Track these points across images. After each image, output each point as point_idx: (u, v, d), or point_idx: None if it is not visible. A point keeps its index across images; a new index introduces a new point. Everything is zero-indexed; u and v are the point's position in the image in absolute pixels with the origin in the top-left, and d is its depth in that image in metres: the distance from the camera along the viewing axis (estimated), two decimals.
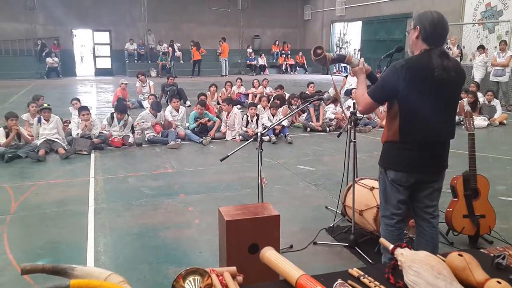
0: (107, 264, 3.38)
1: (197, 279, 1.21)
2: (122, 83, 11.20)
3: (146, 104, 10.22)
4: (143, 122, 7.68)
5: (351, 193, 3.57)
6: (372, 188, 3.59)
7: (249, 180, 5.40)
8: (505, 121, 9.48)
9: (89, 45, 21.15)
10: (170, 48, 20.24)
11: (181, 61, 21.03)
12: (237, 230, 2.76)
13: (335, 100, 9.05)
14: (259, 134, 3.21)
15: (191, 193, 5.02)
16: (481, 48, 12.28)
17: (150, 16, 20.43)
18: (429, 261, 1.34)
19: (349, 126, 3.69)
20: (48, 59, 19.00)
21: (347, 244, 3.57)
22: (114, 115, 7.47)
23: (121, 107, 7.61)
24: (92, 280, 1.10)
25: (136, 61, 20.58)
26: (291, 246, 3.58)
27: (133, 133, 7.52)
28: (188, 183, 5.41)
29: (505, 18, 12.99)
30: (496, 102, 9.77)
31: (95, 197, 4.86)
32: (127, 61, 20.45)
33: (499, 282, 1.25)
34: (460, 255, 1.37)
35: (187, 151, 7.18)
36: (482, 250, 1.62)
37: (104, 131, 7.30)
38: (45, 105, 7.16)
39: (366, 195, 3.58)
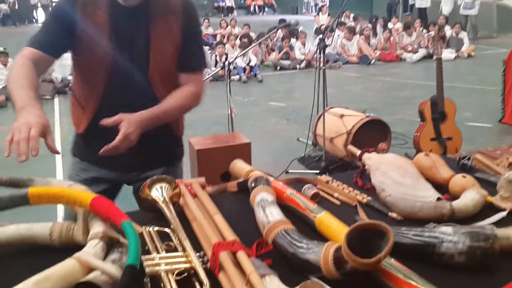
0: None
1: (165, 186, 1.18)
2: None
3: None
4: None
5: (321, 122, 3.58)
6: (341, 116, 3.61)
7: (220, 117, 5.32)
8: (472, 53, 9.59)
9: None
10: None
11: None
12: (208, 159, 2.74)
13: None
14: (226, 63, 3.11)
15: None
16: None
17: None
18: (396, 161, 1.34)
19: (317, 54, 3.64)
20: (2, 5, 17.85)
21: (318, 172, 3.62)
22: None
23: None
24: (52, 187, 1.05)
25: None
26: None
27: None
28: None
29: None
30: (463, 35, 9.83)
31: (62, 142, 4.73)
32: None
33: (464, 177, 1.27)
34: (427, 155, 1.38)
35: None
36: (448, 155, 1.65)
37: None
38: (1, 49, 6.76)
39: (336, 122, 3.60)
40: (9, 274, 0.91)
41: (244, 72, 7.72)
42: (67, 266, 0.82)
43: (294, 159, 3.97)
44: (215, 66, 7.90)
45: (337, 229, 1.01)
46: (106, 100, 1.46)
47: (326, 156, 3.61)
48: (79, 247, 0.92)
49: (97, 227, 0.94)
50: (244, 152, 2.83)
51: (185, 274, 0.90)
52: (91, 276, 0.79)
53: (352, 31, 9.59)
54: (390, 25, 11.13)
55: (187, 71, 1.50)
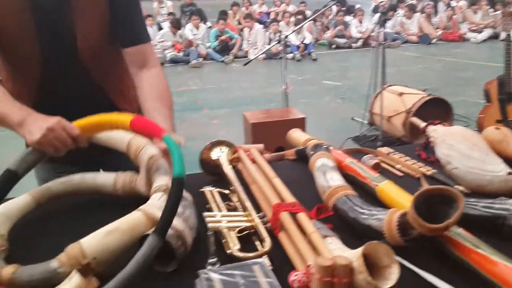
0: None
1: (224, 149, 1.19)
2: None
3: (165, 25, 10.00)
4: (163, 41, 7.57)
5: (378, 100, 3.48)
6: (400, 94, 3.49)
7: (273, 95, 5.33)
8: None
9: None
10: None
11: None
12: (262, 133, 2.74)
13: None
14: (282, 37, 3.08)
15: (215, 108, 5.02)
16: None
17: None
18: (464, 133, 1.28)
19: (377, 30, 3.52)
20: None
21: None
22: None
23: None
24: (91, 116, 1.03)
25: None
26: None
27: None
28: (212, 99, 5.39)
29: None
30: None
31: None
32: None
33: None
34: (497, 128, 1.30)
35: (210, 69, 7.11)
36: None
37: None
38: None
39: (395, 100, 3.49)
40: (77, 226, 0.96)
41: (298, 50, 7.62)
42: (134, 218, 0.85)
43: (348, 138, 3.90)
44: (269, 44, 7.85)
45: (400, 198, 0.98)
46: (42, 94, 1.24)
47: (383, 136, 3.51)
48: (141, 197, 0.95)
49: (161, 180, 0.96)
50: (298, 127, 2.78)
51: (245, 233, 0.91)
52: None
53: (412, 9, 9.18)
54: (453, 3, 10.55)
55: (134, 44, 1.25)
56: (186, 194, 0.96)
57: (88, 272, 0.76)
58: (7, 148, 1.00)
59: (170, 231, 0.82)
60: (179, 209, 0.90)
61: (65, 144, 1.00)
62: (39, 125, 0.99)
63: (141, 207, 0.88)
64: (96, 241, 0.79)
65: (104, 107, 1.11)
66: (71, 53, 1.20)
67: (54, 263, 0.77)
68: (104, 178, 1.08)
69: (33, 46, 1.17)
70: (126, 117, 0.99)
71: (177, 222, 0.84)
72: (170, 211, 0.79)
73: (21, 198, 1.03)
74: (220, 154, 1.17)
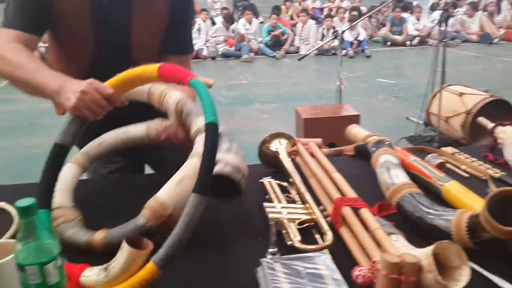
0: None
1: (283, 141, 1.19)
2: None
3: (218, 20, 10.11)
4: (216, 36, 7.67)
5: (436, 99, 3.36)
6: (461, 94, 3.34)
7: (324, 91, 5.27)
8: None
9: None
10: None
11: None
12: (315, 129, 2.72)
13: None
14: (339, 32, 3.03)
15: (266, 102, 5.02)
16: None
17: None
18: None
19: (438, 27, 3.38)
20: None
21: None
22: None
23: None
24: (118, 75, 1.01)
25: None
26: None
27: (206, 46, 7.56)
28: (263, 93, 5.40)
29: None
30: None
31: None
32: None
33: None
34: None
35: (261, 64, 7.12)
36: None
37: None
38: None
39: (454, 101, 3.35)
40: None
41: (351, 46, 7.48)
42: (195, 165, 0.85)
43: (402, 137, 3.78)
44: (322, 40, 7.76)
45: (469, 199, 0.94)
46: None
47: (440, 137, 3.38)
48: None
49: (198, 122, 0.97)
50: (352, 124, 2.75)
51: (304, 225, 0.90)
52: (217, 170, 0.86)
53: (474, 7, 8.77)
54: None
55: (177, 54, 1.28)
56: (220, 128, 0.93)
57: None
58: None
59: (229, 168, 0.87)
60: (227, 145, 0.93)
61: (100, 105, 0.97)
62: (73, 90, 0.97)
63: (193, 152, 0.90)
64: (171, 192, 0.83)
65: (146, 108, 1.10)
66: (125, 52, 1.21)
67: (140, 220, 0.81)
68: (136, 130, 1.12)
69: (88, 40, 1.19)
70: (153, 66, 0.96)
71: (232, 157, 0.89)
72: (208, 161, 0.78)
73: (68, 168, 1.05)
74: (279, 147, 1.17)
